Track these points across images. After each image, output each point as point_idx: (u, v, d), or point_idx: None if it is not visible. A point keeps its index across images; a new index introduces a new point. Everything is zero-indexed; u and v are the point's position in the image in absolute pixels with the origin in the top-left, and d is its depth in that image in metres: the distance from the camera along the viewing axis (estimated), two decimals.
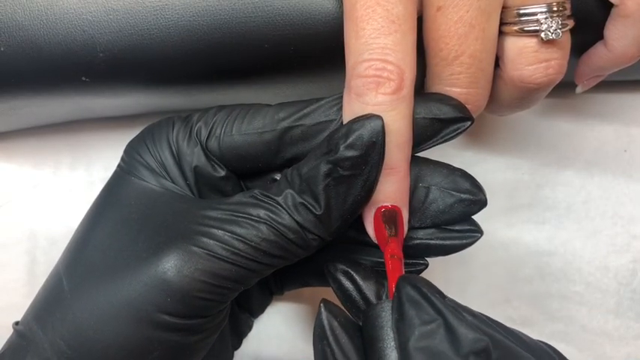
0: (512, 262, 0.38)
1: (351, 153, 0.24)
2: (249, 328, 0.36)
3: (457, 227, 0.28)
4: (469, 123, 0.27)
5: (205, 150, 0.28)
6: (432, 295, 0.23)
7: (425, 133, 0.27)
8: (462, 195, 0.27)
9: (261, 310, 0.36)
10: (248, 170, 0.29)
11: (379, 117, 0.24)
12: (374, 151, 0.25)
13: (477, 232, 0.28)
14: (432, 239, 0.28)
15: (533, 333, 0.38)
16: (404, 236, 0.27)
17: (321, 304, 0.24)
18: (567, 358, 0.24)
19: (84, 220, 0.29)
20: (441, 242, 0.28)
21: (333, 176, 0.25)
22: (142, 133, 0.30)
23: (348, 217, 0.26)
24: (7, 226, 0.36)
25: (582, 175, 0.38)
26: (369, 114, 0.25)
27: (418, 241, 0.28)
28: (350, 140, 0.24)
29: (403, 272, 0.25)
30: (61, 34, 0.28)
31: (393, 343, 0.23)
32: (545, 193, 0.38)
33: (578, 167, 0.38)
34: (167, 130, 0.29)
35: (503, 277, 0.38)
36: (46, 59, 0.28)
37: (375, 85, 0.25)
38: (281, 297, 0.36)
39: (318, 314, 0.24)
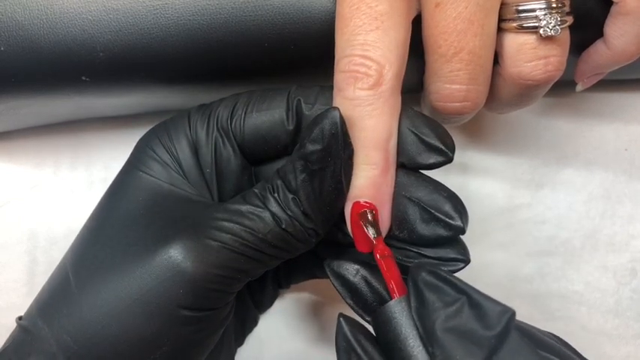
0: (512, 262, 0.38)
1: (314, 147, 0.25)
2: (255, 323, 0.36)
3: (441, 255, 0.27)
4: (448, 156, 0.26)
5: (223, 135, 0.28)
6: (449, 276, 0.23)
7: (406, 146, 0.26)
8: (439, 215, 0.26)
9: (270, 303, 0.36)
10: (266, 155, 0.29)
11: (336, 108, 0.25)
12: (335, 142, 0.25)
13: (461, 261, 0.27)
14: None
15: None
16: (384, 234, 0.27)
17: (341, 319, 0.24)
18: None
19: (91, 215, 0.29)
20: None
21: (306, 172, 0.25)
22: (154, 128, 0.30)
23: (327, 209, 0.26)
24: (7, 226, 0.36)
25: (582, 175, 0.38)
26: (329, 107, 0.25)
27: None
28: (313, 134, 0.25)
29: (398, 269, 0.25)
30: (61, 34, 0.28)
31: (415, 335, 0.23)
32: (545, 193, 0.38)
33: (578, 166, 0.38)
34: (183, 122, 0.29)
35: (503, 277, 0.38)
36: (46, 59, 0.28)
37: (353, 80, 0.25)
38: (282, 298, 0.36)
39: (340, 328, 0.24)
